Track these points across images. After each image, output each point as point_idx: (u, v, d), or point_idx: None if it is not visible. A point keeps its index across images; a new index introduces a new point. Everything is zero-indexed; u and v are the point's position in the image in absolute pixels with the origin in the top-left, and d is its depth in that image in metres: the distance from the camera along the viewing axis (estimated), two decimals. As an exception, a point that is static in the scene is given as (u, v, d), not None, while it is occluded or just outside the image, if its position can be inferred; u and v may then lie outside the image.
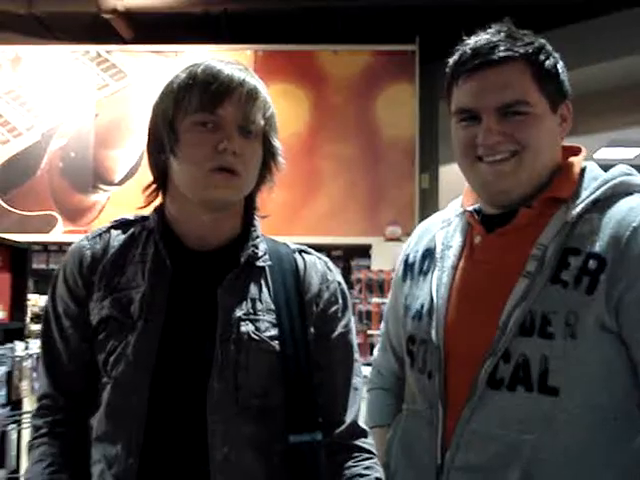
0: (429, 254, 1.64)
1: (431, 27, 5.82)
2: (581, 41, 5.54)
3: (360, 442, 1.51)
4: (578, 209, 1.44)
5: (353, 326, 1.56)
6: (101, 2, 5.70)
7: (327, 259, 1.59)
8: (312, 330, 1.48)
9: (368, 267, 5.64)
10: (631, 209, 1.41)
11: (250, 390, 1.42)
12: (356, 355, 1.55)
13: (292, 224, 5.61)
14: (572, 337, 1.36)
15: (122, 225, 1.58)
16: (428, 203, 6.26)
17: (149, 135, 1.52)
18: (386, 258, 5.42)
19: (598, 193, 1.45)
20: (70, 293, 1.51)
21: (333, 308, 1.52)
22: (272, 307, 1.47)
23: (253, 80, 1.48)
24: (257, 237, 1.53)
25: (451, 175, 6.77)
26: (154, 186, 1.54)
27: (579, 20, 5.67)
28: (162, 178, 1.53)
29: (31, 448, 1.50)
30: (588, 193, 1.46)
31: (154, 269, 1.47)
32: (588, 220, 1.43)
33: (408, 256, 1.71)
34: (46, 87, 6.11)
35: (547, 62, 1.49)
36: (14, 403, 3.48)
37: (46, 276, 5.49)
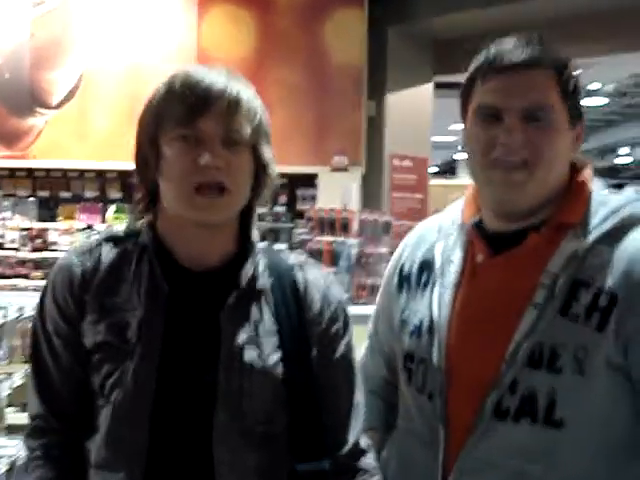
0: (427, 267, 1.60)
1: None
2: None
3: (363, 463, 1.48)
4: (589, 241, 1.43)
5: (353, 341, 1.52)
6: None
7: (327, 273, 1.54)
8: (315, 350, 1.45)
9: (313, 197, 5.58)
10: None
11: (255, 417, 1.39)
12: (357, 370, 1.51)
13: (237, 152, 5.50)
14: (580, 373, 1.37)
15: (113, 240, 1.49)
16: (374, 132, 6.18)
17: (135, 151, 1.44)
18: (332, 189, 5.36)
19: (608, 226, 1.44)
20: (60, 312, 1.44)
21: (335, 327, 1.48)
22: (275, 329, 1.43)
23: (236, 87, 1.37)
24: (256, 254, 1.46)
25: (398, 103, 6.71)
26: (144, 203, 1.46)
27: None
28: (152, 194, 1.45)
29: (26, 470, 1.47)
30: (597, 222, 1.45)
31: (150, 290, 1.41)
32: (598, 252, 1.42)
33: (403, 266, 1.65)
34: (-22, 4, 5.83)
35: (572, 78, 1.48)
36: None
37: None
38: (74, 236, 5.66)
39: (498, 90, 1.46)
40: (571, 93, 1.47)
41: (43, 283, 1.53)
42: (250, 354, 1.39)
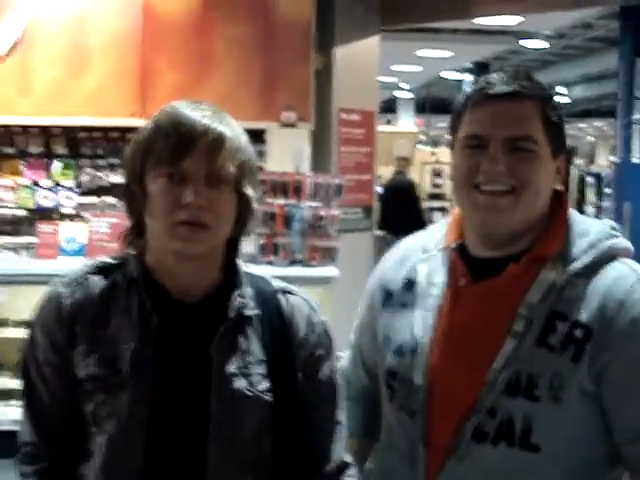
0: (410, 287, 1.66)
1: None
2: None
3: (345, 478, 1.55)
4: (567, 273, 1.50)
5: (337, 363, 1.59)
6: None
7: (309, 298, 1.58)
8: (300, 374, 1.50)
9: (262, 153, 5.56)
10: (616, 280, 1.49)
11: (245, 443, 1.44)
12: (339, 389, 1.57)
13: (184, 107, 5.43)
14: (556, 401, 1.46)
15: (100, 271, 1.52)
16: (323, 86, 6.14)
17: (125, 185, 1.49)
18: (282, 146, 5.36)
19: (587, 260, 1.51)
20: (51, 343, 1.47)
21: (319, 351, 1.54)
22: (262, 358, 1.47)
23: (220, 126, 1.41)
24: (242, 285, 1.50)
25: (346, 56, 6.67)
26: (132, 235, 1.51)
27: None
28: (138, 227, 1.49)
29: None
30: (576, 254, 1.52)
31: (140, 323, 1.44)
32: (575, 285, 1.49)
33: (387, 283, 1.71)
34: None
35: (555, 110, 1.54)
36: None
37: None
38: (19, 192, 5.57)
39: (485, 119, 1.51)
40: (554, 125, 1.54)
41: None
42: (240, 384, 1.45)
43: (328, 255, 4.49)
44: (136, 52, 5.41)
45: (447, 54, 14.07)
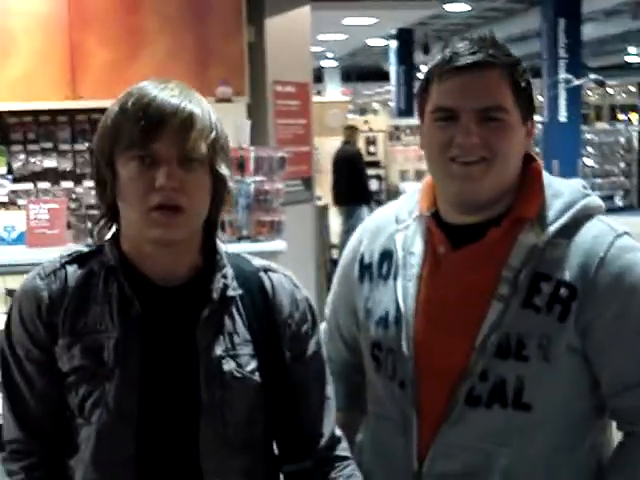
0: (387, 257, 1.66)
1: None
2: None
3: (338, 451, 1.56)
4: (547, 234, 1.53)
5: (322, 338, 1.58)
6: None
7: (291, 274, 1.56)
8: (287, 352, 1.49)
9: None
10: (596, 238, 1.53)
11: (236, 425, 1.43)
12: (326, 365, 1.57)
13: (116, 86, 5.26)
14: (545, 360, 1.49)
15: (75, 260, 1.47)
16: (255, 58, 6.08)
17: (93, 172, 1.45)
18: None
19: (564, 220, 1.54)
20: (31, 338, 1.42)
21: (304, 327, 1.52)
22: (248, 337, 1.46)
23: (190, 105, 1.37)
24: (224, 266, 1.47)
25: (277, 27, 6.60)
26: (104, 221, 1.47)
27: None
28: (112, 213, 1.45)
29: None
30: (554, 215, 1.55)
31: (122, 310, 1.40)
32: (556, 246, 1.53)
33: (363, 256, 1.71)
34: None
35: (523, 75, 1.55)
36: None
37: None
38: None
39: (454, 91, 1.52)
40: (523, 91, 1.55)
41: None
42: (228, 366, 1.44)
43: (274, 229, 4.46)
44: (63, 32, 5.27)
45: (372, 21, 14.07)
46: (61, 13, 5.25)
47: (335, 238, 10.17)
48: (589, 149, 18.66)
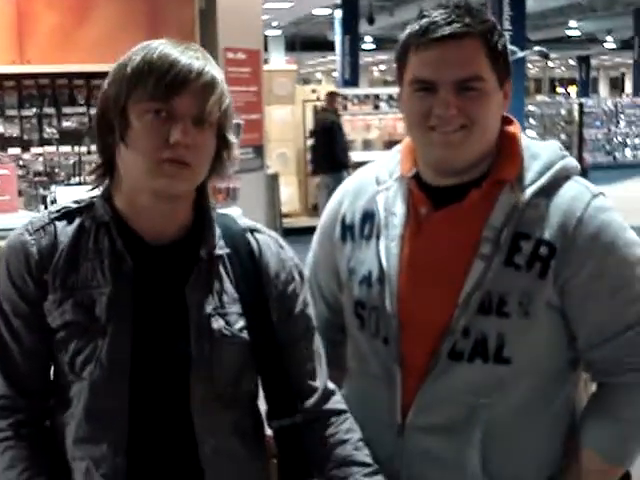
0: (369, 217, 1.68)
1: None
2: None
3: (333, 404, 1.58)
4: (527, 195, 1.57)
5: (310, 298, 1.61)
6: None
7: (277, 235, 1.59)
8: (275, 311, 1.52)
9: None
10: (574, 198, 1.57)
11: (225, 381, 1.45)
12: (314, 320, 1.60)
13: (65, 51, 5.21)
14: (525, 316, 1.53)
15: (65, 216, 1.47)
16: (207, 25, 6.02)
17: (98, 117, 1.43)
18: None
19: (543, 181, 1.58)
20: (19, 293, 1.41)
21: (291, 287, 1.55)
22: (236, 296, 1.48)
23: (212, 70, 1.40)
24: (213, 226, 1.49)
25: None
26: (101, 170, 1.46)
27: None
28: (109, 164, 1.45)
29: None
30: (532, 177, 1.59)
31: (114, 266, 1.42)
32: (535, 205, 1.57)
33: (345, 216, 1.73)
34: None
35: (499, 41, 1.57)
36: None
37: None
38: None
39: (432, 63, 1.54)
40: (499, 55, 1.58)
41: None
42: (217, 323, 1.46)
43: (230, 196, 4.45)
44: (10, -5, 5.15)
45: (318, -11, 14.02)
46: (7, -25, 5.13)
47: (285, 207, 10.18)
48: (531, 121, 18.94)
